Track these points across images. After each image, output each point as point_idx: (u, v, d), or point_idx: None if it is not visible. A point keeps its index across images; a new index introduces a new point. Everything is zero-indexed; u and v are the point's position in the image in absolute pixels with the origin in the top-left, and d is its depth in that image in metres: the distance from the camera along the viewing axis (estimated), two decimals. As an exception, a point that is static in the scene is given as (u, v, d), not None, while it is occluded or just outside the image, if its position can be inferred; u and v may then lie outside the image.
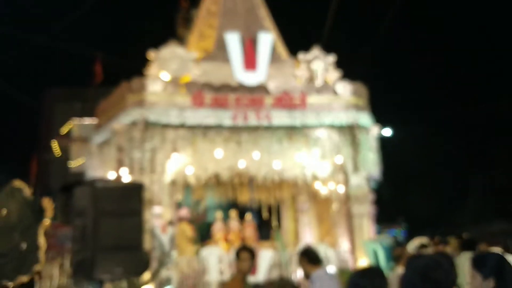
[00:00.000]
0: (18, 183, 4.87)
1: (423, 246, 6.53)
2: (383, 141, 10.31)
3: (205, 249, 8.92)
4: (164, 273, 8.19)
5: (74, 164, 18.06)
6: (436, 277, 2.00)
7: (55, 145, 20.27)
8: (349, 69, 10.19)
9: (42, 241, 5.06)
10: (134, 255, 3.40)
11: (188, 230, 9.85)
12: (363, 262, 8.52)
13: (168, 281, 8.38)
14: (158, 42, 9.74)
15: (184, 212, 10.21)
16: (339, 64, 10.20)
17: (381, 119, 10.28)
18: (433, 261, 2.09)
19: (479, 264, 2.45)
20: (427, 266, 2.04)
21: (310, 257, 3.85)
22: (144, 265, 3.73)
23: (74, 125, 18.33)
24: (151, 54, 9.48)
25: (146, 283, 5.48)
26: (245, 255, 4.03)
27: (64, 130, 19.76)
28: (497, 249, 4.90)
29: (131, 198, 3.56)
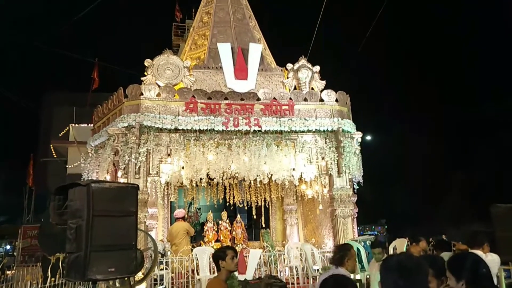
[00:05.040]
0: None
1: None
2: (365, 145, 10.34)
3: (198, 249, 8.82)
4: (156, 272, 8.08)
5: (71, 166, 17.82)
6: (411, 270, 1.91)
7: (53, 148, 19.97)
8: (332, 80, 10.25)
9: None
10: (128, 255, 3.32)
11: (187, 226, 9.74)
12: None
13: (160, 280, 8.26)
14: (154, 50, 9.70)
15: (181, 212, 10.10)
16: (322, 76, 10.26)
17: (362, 125, 10.31)
18: (406, 257, 2.02)
19: (452, 266, 2.39)
20: (401, 262, 1.95)
21: None
22: (137, 264, 3.64)
23: (72, 128, 18.12)
24: (147, 62, 9.43)
25: (139, 282, 5.38)
26: (231, 253, 3.91)
27: (62, 133, 19.48)
28: (477, 251, 4.52)
29: (126, 199, 3.47)
